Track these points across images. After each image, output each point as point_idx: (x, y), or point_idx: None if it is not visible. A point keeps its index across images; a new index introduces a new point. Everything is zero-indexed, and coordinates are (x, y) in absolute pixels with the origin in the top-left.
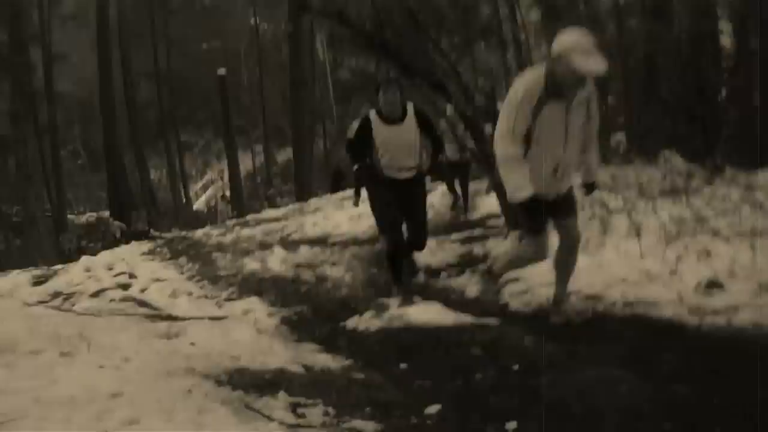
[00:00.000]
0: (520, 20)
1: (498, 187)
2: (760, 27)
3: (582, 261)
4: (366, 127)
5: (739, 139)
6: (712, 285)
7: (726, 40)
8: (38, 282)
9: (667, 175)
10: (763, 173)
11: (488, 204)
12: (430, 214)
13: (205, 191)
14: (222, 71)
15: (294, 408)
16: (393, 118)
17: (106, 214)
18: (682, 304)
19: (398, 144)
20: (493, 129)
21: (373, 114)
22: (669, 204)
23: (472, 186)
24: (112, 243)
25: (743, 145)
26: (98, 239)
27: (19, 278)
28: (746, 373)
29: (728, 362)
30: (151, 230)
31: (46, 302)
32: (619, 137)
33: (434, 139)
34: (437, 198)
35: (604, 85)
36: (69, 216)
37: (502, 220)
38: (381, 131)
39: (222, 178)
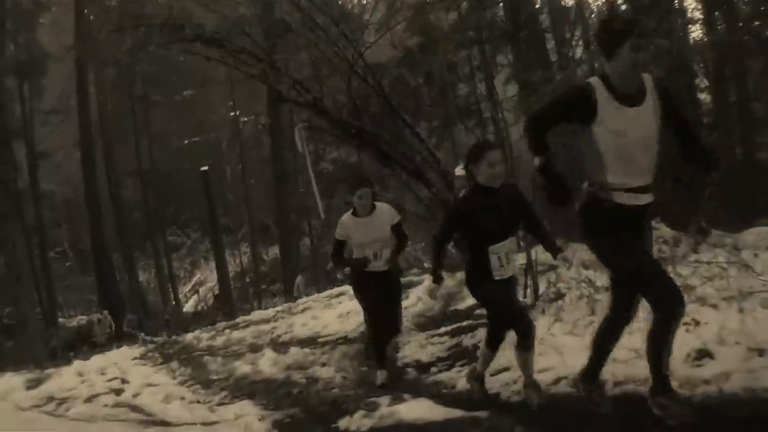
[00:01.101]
0: (498, 97)
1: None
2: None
3: (570, 342)
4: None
5: (724, 197)
6: (702, 354)
7: (703, 96)
8: (31, 386)
9: (652, 246)
10: (749, 232)
11: None
12: (419, 306)
13: (195, 293)
14: (205, 168)
15: None
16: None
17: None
18: (672, 377)
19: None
20: None
21: (347, 217)
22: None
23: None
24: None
25: (728, 204)
26: (88, 341)
27: (12, 381)
28: None
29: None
30: (141, 335)
31: (40, 406)
32: None
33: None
34: (423, 291)
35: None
36: (60, 319)
37: None
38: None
39: (205, 284)
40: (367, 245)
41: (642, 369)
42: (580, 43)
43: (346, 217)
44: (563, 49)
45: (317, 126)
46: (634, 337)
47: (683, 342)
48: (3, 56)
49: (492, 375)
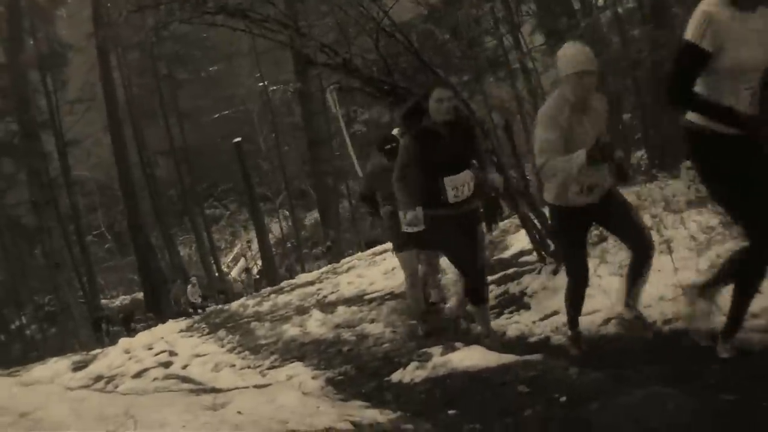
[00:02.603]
0: (525, 47)
1: (525, 221)
2: None
3: (616, 283)
4: None
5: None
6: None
7: None
8: (78, 367)
9: (690, 185)
10: None
11: (519, 241)
12: None
13: (237, 262)
14: (238, 139)
15: None
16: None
17: (140, 296)
18: (720, 312)
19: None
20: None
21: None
22: (696, 214)
23: (502, 225)
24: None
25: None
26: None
27: (58, 365)
28: None
29: None
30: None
31: (89, 386)
32: (639, 154)
33: None
34: None
35: (618, 102)
36: (102, 301)
37: (534, 256)
38: None
39: (251, 248)
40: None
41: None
42: None
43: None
44: None
45: (349, 87)
46: (681, 275)
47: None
48: (23, 52)
49: (541, 319)
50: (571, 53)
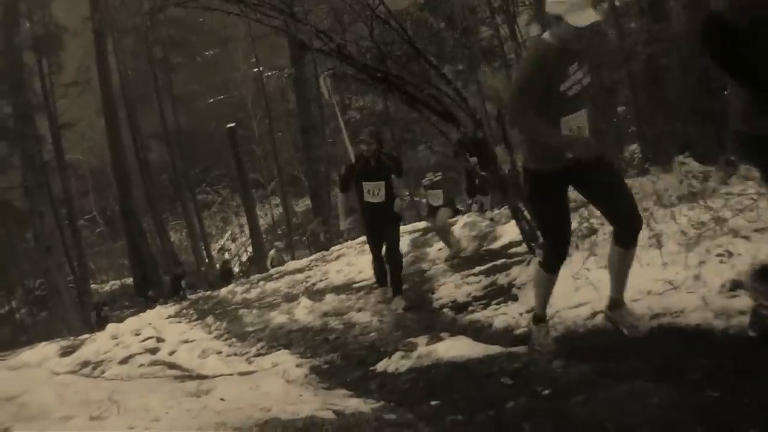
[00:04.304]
0: (521, 37)
1: (516, 212)
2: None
3: (604, 276)
4: None
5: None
6: (736, 285)
7: None
8: (66, 353)
9: (683, 180)
10: None
11: (509, 232)
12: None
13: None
14: (231, 125)
15: None
16: None
17: (130, 281)
18: (707, 308)
19: None
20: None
21: None
22: (687, 209)
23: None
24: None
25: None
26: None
27: (46, 350)
28: None
29: (757, 361)
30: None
31: (75, 371)
32: (633, 147)
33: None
34: (458, 230)
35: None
36: (92, 286)
37: (524, 248)
38: None
39: (242, 233)
40: None
41: (678, 299)
42: None
43: None
44: None
45: (343, 73)
46: (669, 270)
47: (717, 273)
48: (19, 34)
49: (528, 311)
50: None
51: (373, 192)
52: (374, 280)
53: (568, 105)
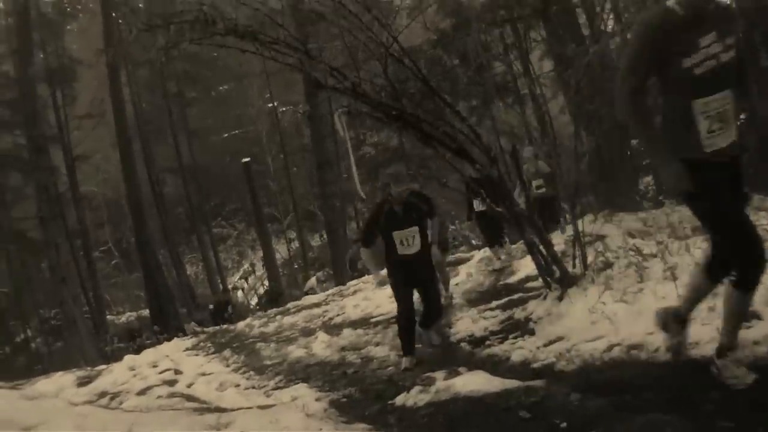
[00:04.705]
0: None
1: (531, 247)
2: None
3: (620, 309)
4: None
5: (762, 164)
6: (750, 316)
7: None
8: (83, 383)
9: None
10: None
11: (525, 266)
12: (469, 283)
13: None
14: (246, 159)
15: None
16: None
17: (146, 313)
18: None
19: None
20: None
21: None
22: (702, 241)
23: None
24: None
25: (766, 169)
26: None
27: (63, 379)
28: None
29: None
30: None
31: (93, 402)
32: (647, 179)
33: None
34: (473, 266)
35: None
36: (108, 317)
37: (540, 282)
38: None
39: (254, 270)
40: None
41: (693, 332)
42: (611, 15)
43: None
44: (594, 22)
45: (357, 110)
46: None
47: None
48: (33, 65)
49: (545, 345)
50: None
51: (407, 241)
52: (391, 314)
53: (701, 85)
